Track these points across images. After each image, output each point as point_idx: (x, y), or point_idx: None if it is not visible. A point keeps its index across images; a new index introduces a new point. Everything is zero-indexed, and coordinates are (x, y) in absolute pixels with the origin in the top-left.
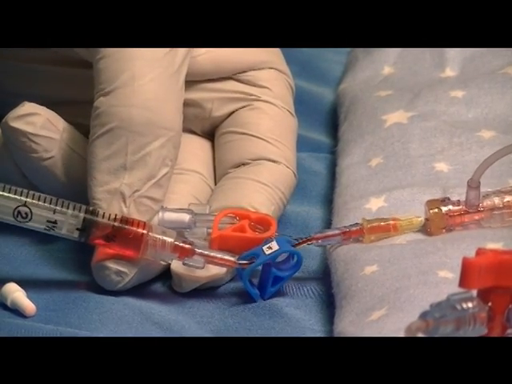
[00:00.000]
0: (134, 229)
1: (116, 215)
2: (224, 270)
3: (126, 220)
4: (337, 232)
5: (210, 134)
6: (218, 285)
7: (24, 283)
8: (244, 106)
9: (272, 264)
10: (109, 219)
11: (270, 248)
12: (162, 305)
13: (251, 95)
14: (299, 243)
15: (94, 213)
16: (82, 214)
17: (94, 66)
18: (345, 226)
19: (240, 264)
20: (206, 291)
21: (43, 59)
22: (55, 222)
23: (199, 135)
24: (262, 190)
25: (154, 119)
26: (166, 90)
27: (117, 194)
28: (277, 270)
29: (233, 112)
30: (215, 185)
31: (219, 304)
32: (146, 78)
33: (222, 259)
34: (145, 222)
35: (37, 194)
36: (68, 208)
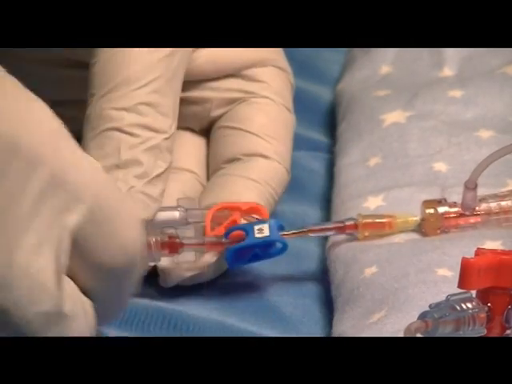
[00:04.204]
0: None
1: None
2: (212, 260)
3: None
4: (331, 226)
5: (208, 131)
6: (203, 279)
7: None
8: (241, 102)
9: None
10: None
11: (261, 231)
12: (153, 304)
13: (251, 93)
14: (289, 234)
15: None
16: None
17: (89, 70)
18: (340, 220)
19: (227, 244)
20: (203, 291)
21: (37, 59)
22: None
23: (195, 132)
24: (252, 186)
25: (145, 122)
26: (159, 94)
27: None
28: (259, 249)
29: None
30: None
31: (217, 305)
32: (140, 83)
33: (210, 243)
34: None
35: None
36: None
